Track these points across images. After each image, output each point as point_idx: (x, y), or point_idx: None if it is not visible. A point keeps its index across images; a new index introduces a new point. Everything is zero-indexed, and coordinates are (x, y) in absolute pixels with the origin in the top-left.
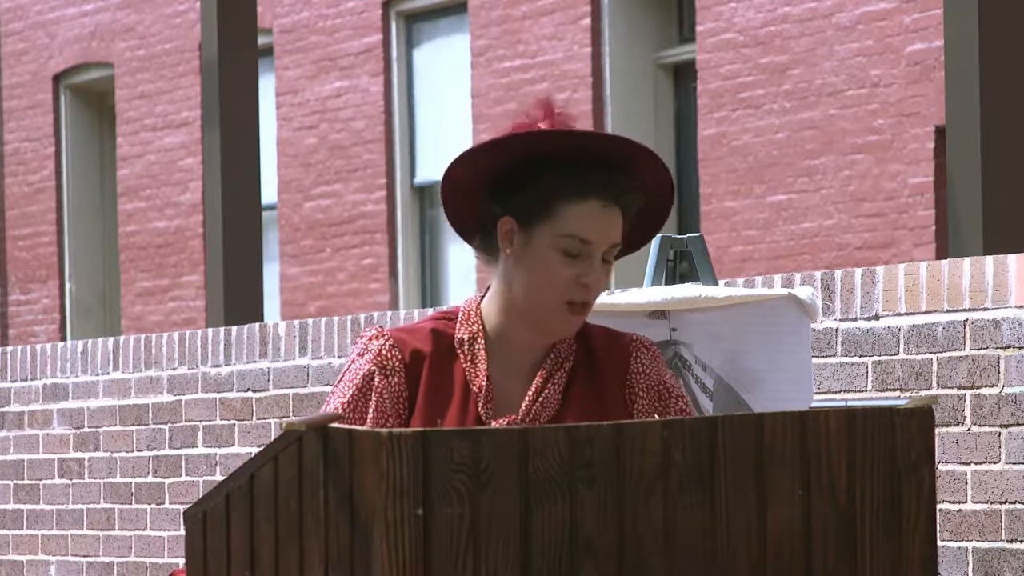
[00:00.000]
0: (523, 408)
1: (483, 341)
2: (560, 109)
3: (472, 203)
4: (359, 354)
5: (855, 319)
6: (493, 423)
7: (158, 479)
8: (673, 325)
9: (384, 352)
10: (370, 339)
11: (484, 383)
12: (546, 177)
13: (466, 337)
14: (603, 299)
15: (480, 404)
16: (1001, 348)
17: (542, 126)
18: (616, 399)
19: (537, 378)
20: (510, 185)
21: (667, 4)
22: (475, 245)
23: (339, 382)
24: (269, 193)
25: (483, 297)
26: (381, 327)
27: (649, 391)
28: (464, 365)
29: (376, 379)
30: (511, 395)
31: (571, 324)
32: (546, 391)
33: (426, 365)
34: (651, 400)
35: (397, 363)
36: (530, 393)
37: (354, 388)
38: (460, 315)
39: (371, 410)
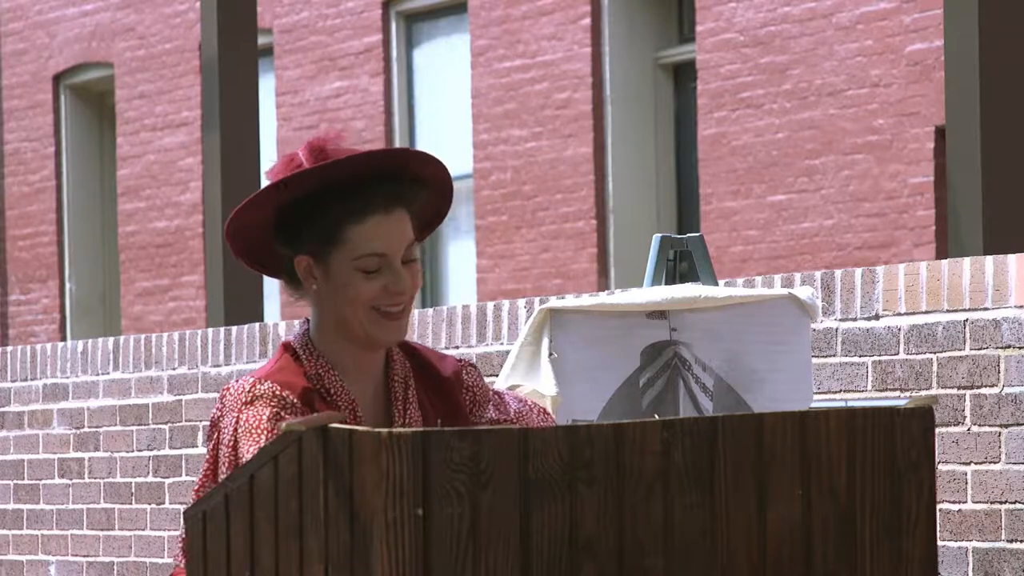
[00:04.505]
0: (397, 427)
1: (334, 371)
2: (329, 144)
3: (267, 248)
4: (246, 403)
5: (855, 319)
6: None
7: (158, 479)
8: (673, 325)
9: (276, 393)
10: (251, 387)
11: (358, 412)
12: (325, 207)
13: (322, 372)
14: (603, 299)
15: None
16: (1001, 348)
17: (305, 164)
18: (462, 408)
19: (396, 399)
20: (292, 226)
21: (667, 4)
22: (283, 280)
23: (232, 435)
24: None
25: (306, 332)
26: (248, 378)
27: (483, 404)
28: (329, 399)
29: (284, 417)
30: (381, 417)
31: (392, 329)
32: (409, 409)
33: (316, 400)
34: (485, 411)
35: (294, 399)
36: (397, 416)
37: (266, 432)
38: (301, 352)
39: None
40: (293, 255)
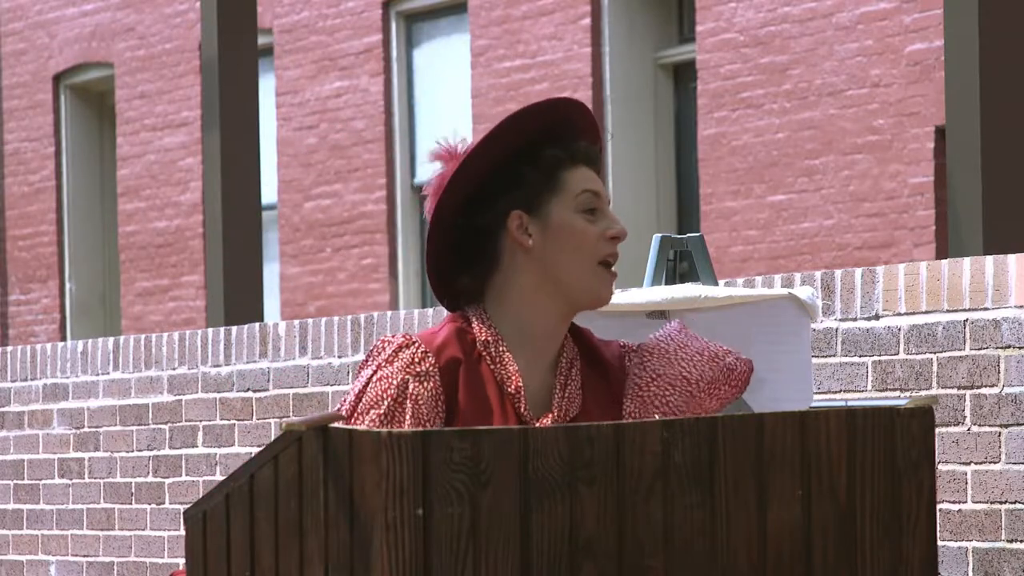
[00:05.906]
0: (555, 404)
1: (504, 343)
2: (458, 143)
3: (449, 236)
4: (387, 361)
5: (855, 319)
6: (536, 423)
7: (158, 479)
8: None
9: (417, 359)
10: (399, 347)
11: (520, 384)
12: (543, 155)
13: (489, 339)
14: None
15: (521, 405)
16: (1001, 348)
17: (446, 164)
18: (619, 397)
19: (559, 375)
20: (498, 187)
21: (667, 4)
22: (463, 281)
23: (362, 389)
24: (269, 193)
25: (481, 306)
26: (407, 334)
27: (631, 394)
28: (492, 367)
29: (411, 386)
30: (540, 394)
31: (610, 286)
32: (569, 387)
33: (461, 369)
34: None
35: (431, 368)
36: (557, 390)
37: (389, 399)
38: (473, 318)
39: (408, 418)
40: (503, 214)
